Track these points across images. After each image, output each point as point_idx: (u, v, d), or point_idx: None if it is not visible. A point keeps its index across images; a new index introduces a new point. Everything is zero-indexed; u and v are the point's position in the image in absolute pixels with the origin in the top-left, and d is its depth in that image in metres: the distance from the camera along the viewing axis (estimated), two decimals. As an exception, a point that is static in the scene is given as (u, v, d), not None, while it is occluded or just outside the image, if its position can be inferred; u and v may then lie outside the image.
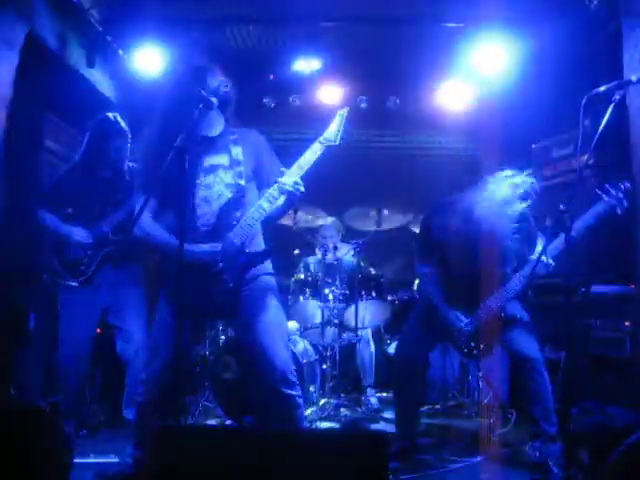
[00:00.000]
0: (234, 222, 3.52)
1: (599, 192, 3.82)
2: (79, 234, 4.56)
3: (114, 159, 4.63)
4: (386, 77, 7.51)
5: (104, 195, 4.63)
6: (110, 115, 4.67)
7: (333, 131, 3.47)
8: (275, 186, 3.45)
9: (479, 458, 4.39)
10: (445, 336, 4.35)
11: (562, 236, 3.64)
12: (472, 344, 4.26)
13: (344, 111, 3.49)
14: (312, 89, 7.42)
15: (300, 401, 3.59)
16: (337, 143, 3.48)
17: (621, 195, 3.84)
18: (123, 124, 4.67)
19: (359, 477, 2.49)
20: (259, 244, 3.70)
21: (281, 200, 3.51)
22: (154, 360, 3.61)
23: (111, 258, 4.60)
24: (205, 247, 3.47)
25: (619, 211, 3.87)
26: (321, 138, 3.48)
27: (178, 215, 3.37)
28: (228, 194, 3.58)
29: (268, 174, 3.64)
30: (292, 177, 3.43)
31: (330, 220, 6.50)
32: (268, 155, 3.72)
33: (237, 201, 3.57)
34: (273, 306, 3.60)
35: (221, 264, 3.48)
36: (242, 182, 3.60)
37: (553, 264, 3.93)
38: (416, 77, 7.30)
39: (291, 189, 3.42)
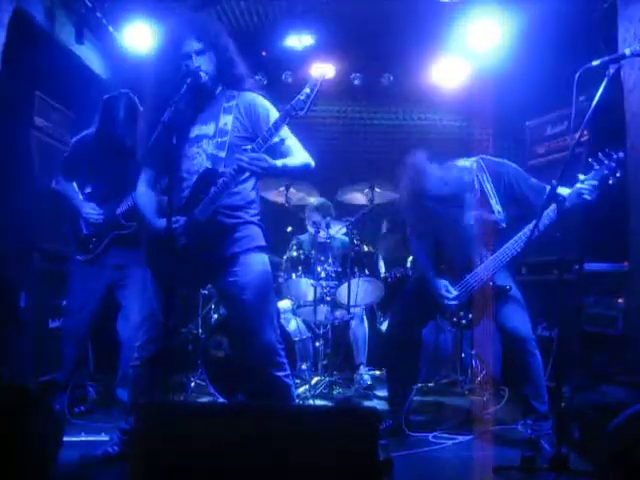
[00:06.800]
0: (203, 195, 3.43)
1: (591, 161, 3.75)
2: (89, 211, 4.56)
3: (122, 141, 4.54)
4: (380, 54, 7.47)
5: (118, 175, 4.58)
6: (120, 93, 4.58)
7: (302, 99, 3.31)
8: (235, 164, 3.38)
9: (471, 435, 4.40)
10: (435, 308, 4.34)
11: (554, 206, 3.66)
12: (461, 313, 4.27)
13: (317, 80, 3.36)
14: (305, 65, 7.36)
15: (288, 380, 3.58)
16: (304, 113, 3.34)
17: (613, 164, 3.76)
18: (134, 103, 4.57)
19: (349, 453, 2.48)
20: (249, 216, 3.63)
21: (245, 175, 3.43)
22: (143, 327, 3.65)
23: (120, 241, 4.59)
24: (163, 222, 3.34)
25: (611, 180, 3.79)
26: (288, 106, 3.34)
27: (165, 187, 3.36)
28: (208, 165, 3.52)
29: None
30: (249, 154, 3.33)
31: (317, 201, 6.45)
32: (265, 120, 3.55)
33: (213, 173, 3.47)
34: (260, 283, 3.54)
35: (184, 240, 3.43)
36: (221, 154, 3.51)
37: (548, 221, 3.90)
38: (410, 54, 7.25)
39: (246, 165, 3.32)
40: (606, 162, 3.77)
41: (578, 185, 3.79)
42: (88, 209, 4.59)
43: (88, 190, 4.71)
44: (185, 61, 3.51)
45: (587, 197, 3.80)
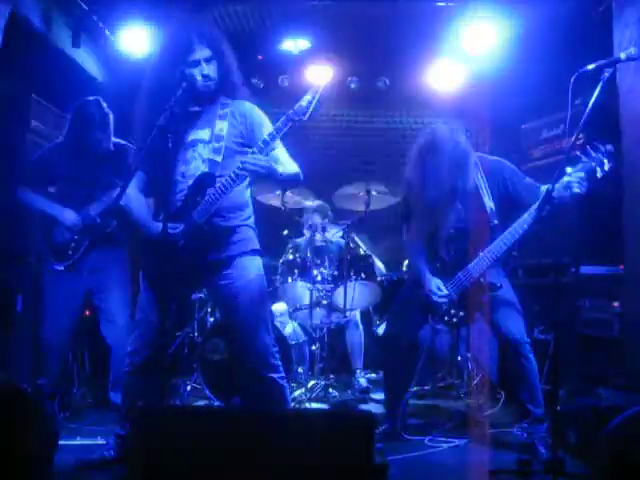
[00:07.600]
0: (200, 198, 3.45)
1: (579, 154, 3.77)
2: (69, 217, 4.50)
3: (96, 144, 4.54)
4: (376, 57, 7.47)
5: (91, 178, 4.56)
6: (91, 99, 4.58)
7: (304, 106, 3.35)
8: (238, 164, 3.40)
9: (467, 439, 4.39)
10: (429, 307, 4.33)
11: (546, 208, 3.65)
12: (452, 311, 4.27)
13: (319, 87, 3.40)
14: (301, 69, 7.37)
15: (283, 382, 3.60)
16: (305, 118, 3.37)
17: (601, 156, 3.78)
18: (105, 108, 4.57)
19: (345, 457, 2.48)
20: (244, 219, 3.66)
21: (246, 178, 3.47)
22: (135, 332, 3.63)
23: (98, 243, 4.55)
24: (158, 226, 3.35)
25: (599, 173, 3.79)
26: (290, 112, 3.37)
27: (160, 191, 3.37)
28: (204, 169, 3.53)
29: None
30: (253, 155, 3.36)
31: (315, 203, 6.45)
32: (259, 128, 3.62)
33: (210, 177, 3.49)
34: (254, 286, 3.56)
35: (182, 242, 3.43)
36: (218, 158, 3.53)
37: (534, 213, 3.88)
38: (406, 57, 7.26)
39: (250, 167, 3.35)
40: (593, 154, 3.78)
41: (566, 178, 3.79)
42: (68, 216, 4.50)
43: (50, 191, 4.65)
44: (192, 67, 3.52)
45: (576, 190, 3.80)
